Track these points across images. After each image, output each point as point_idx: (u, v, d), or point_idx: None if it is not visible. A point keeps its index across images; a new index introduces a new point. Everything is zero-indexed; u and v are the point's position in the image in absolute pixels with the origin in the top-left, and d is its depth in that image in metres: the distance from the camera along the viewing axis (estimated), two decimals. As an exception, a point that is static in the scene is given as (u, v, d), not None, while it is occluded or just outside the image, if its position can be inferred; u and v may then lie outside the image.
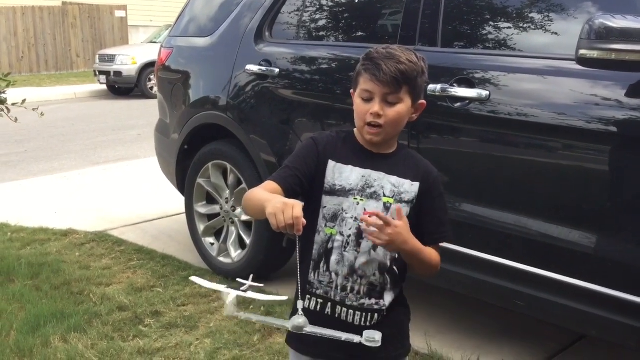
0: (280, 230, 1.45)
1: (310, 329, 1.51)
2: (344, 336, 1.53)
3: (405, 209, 1.67)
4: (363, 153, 1.70)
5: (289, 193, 1.64)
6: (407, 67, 1.60)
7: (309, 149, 1.71)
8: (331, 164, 1.69)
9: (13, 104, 3.97)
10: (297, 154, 1.73)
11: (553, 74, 2.47)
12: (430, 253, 1.68)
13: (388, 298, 1.70)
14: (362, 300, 1.68)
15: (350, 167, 1.68)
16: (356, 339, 1.52)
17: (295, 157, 1.72)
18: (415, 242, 1.61)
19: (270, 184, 1.65)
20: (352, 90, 1.72)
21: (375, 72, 1.60)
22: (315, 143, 1.72)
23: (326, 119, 3.33)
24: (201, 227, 4.04)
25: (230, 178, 3.81)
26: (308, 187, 1.69)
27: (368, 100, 1.63)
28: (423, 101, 1.69)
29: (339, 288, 1.68)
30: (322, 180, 1.68)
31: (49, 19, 19.26)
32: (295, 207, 1.45)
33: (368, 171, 1.67)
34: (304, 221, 1.45)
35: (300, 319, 1.49)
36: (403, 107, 1.63)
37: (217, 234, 4.02)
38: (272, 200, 1.49)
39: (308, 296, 1.72)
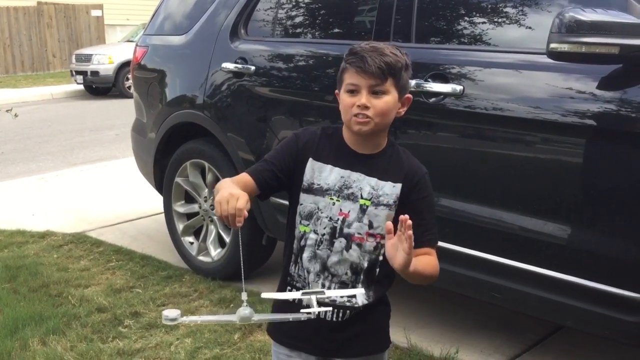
0: (224, 220, 1.49)
1: (257, 317, 1.51)
2: (291, 317, 1.54)
3: (387, 212, 1.65)
4: (346, 152, 1.68)
5: (262, 187, 1.65)
6: (392, 59, 1.60)
7: (289, 145, 1.72)
8: (310, 162, 1.68)
9: (-14, 106, 3.93)
10: (277, 148, 1.74)
11: (526, 67, 2.50)
12: (428, 263, 1.64)
13: (361, 296, 1.69)
14: (333, 298, 1.68)
15: (330, 166, 1.67)
16: (302, 316, 1.53)
17: (275, 152, 1.73)
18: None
19: (243, 176, 1.66)
20: (337, 91, 1.71)
21: (360, 65, 1.59)
22: (297, 139, 1.72)
23: (303, 116, 3.33)
24: (180, 226, 4.02)
25: (209, 177, 3.80)
26: (287, 182, 1.70)
27: (354, 93, 1.62)
28: (409, 95, 1.69)
29: (310, 285, 1.69)
30: (300, 177, 1.68)
31: (24, 19, 19.01)
32: (240, 199, 1.48)
33: (347, 172, 1.66)
34: (246, 214, 1.48)
35: (245, 310, 1.48)
36: (390, 99, 1.61)
37: (197, 233, 4.00)
38: (223, 189, 1.53)
39: (289, 288, 1.74)
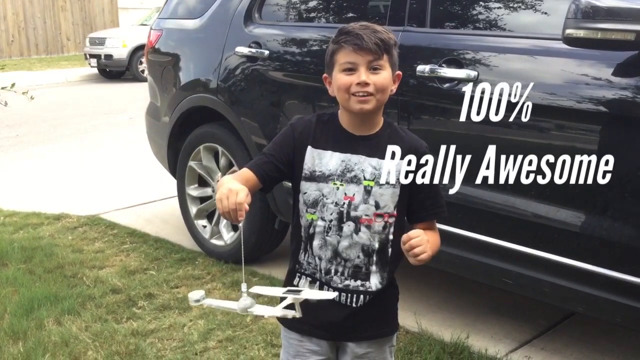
0: (226, 216, 1.48)
1: (257, 310, 1.49)
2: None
3: (392, 190, 1.66)
4: (343, 136, 1.68)
5: (264, 179, 1.65)
6: (385, 36, 1.62)
7: (285, 135, 1.72)
8: (309, 149, 1.68)
9: (2, 88, 3.97)
10: (275, 140, 1.74)
11: (542, 53, 2.48)
12: (436, 240, 1.68)
13: (375, 280, 1.70)
14: (347, 282, 1.70)
15: (329, 152, 1.67)
16: (290, 314, 1.52)
17: (273, 144, 1.73)
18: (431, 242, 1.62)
19: (245, 172, 1.66)
20: (325, 75, 1.71)
21: (357, 42, 1.59)
22: (292, 129, 1.72)
23: (317, 100, 3.33)
24: (193, 209, 4.05)
25: (222, 160, 3.82)
26: (288, 172, 1.70)
27: (351, 72, 1.61)
28: (399, 72, 1.70)
29: (323, 271, 1.70)
30: (301, 167, 1.69)
31: (39, 2, 19.06)
32: (239, 194, 1.47)
33: (348, 155, 1.66)
34: (247, 207, 1.48)
35: (247, 301, 1.47)
36: (387, 74, 1.63)
37: (210, 216, 4.03)
38: (222, 185, 1.52)
39: (298, 275, 1.75)
